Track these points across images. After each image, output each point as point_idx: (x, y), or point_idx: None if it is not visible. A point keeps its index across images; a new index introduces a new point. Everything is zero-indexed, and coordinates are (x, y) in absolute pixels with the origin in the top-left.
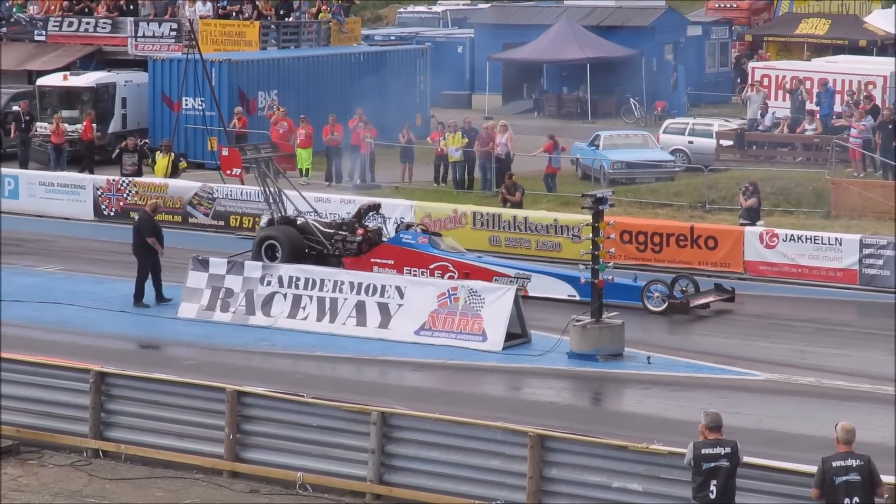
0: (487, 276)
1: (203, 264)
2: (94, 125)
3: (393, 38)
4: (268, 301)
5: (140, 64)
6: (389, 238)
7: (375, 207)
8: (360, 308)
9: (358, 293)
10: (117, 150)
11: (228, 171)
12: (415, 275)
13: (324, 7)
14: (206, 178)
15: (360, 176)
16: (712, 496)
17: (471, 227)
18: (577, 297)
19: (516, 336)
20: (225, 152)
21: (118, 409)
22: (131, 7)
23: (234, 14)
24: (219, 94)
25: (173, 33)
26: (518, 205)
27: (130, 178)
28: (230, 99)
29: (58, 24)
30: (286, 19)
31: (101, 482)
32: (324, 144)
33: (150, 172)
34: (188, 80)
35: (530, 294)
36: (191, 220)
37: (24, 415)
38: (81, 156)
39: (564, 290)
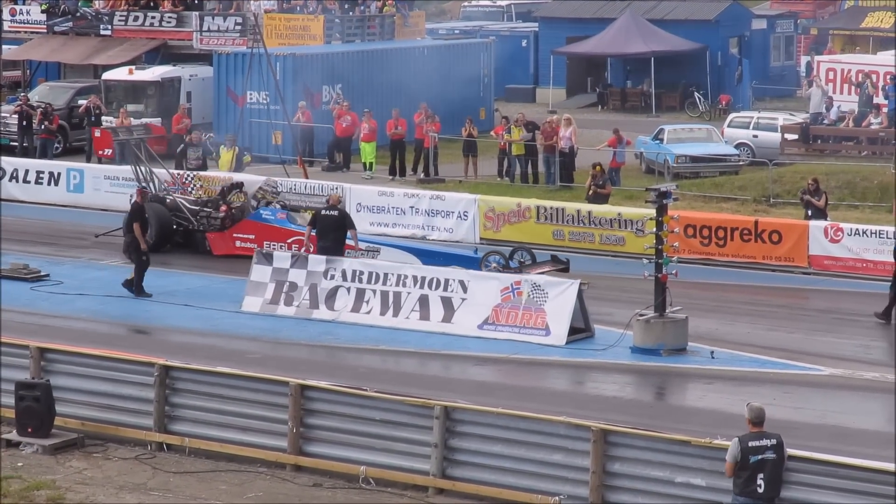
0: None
1: (267, 258)
2: (185, 119)
3: (457, 31)
4: (331, 295)
5: (205, 58)
6: (250, 214)
7: (238, 186)
8: (424, 302)
9: (421, 287)
10: (181, 145)
11: (101, 152)
12: (274, 248)
13: (388, 1)
14: (270, 172)
15: (424, 170)
16: (760, 490)
17: (534, 221)
18: None
19: (580, 330)
20: (97, 133)
21: (182, 402)
22: (196, 1)
23: (298, 8)
24: (283, 89)
25: (238, 27)
26: (607, 198)
27: (195, 172)
28: (294, 93)
29: (123, 18)
30: (350, 13)
31: (165, 475)
32: (387, 138)
33: (214, 166)
34: (253, 74)
35: None
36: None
37: (89, 408)
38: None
39: (411, 261)
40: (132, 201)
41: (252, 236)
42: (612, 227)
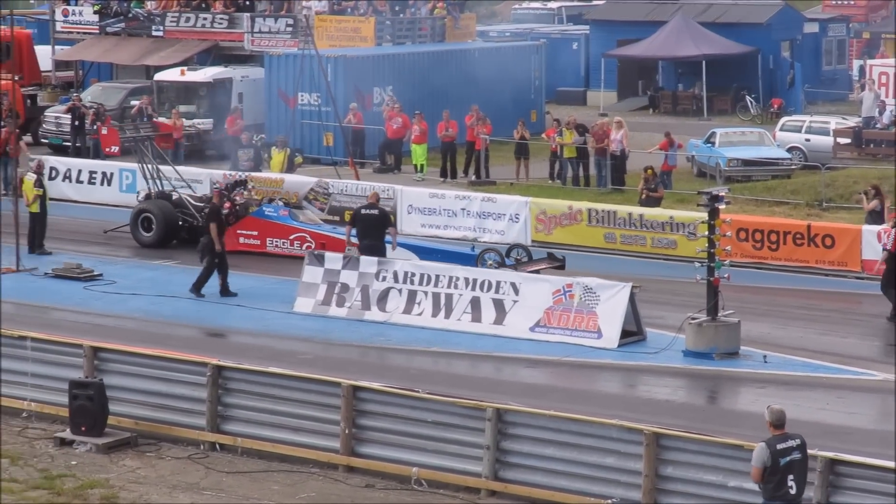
0: (341, 245)
1: (319, 259)
2: (239, 120)
3: (508, 34)
4: (383, 296)
5: (256, 59)
6: (253, 211)
7: (243, 183)
8: (476, 304)
9: (473, 289)
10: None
11: (107, 149)
12: (277, 245)
13: (439, 3)
14: (321, 173)
15: (475, 172)
16: (792, 491)
17: (586, 223)
18: None
19: (631, 333)
20: (104, 131)
21: (235, 402)
22: (248, 3)
23: (349, 10)
24: (334, 90)
25: (289, 29)
26: (659, 201)
27: (246, 173)
28: (345, 94)
29: (175, 19)
30: (401, 15)
31: (217, 475)
32: (438, 140)
33: (266, 167)
34: (304, 75)
35: None
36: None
37: (143, 407)
38: (198, 150)
39: (409, 258)
40: (276, 207)
41: (255, 233)
42: (664, 230)
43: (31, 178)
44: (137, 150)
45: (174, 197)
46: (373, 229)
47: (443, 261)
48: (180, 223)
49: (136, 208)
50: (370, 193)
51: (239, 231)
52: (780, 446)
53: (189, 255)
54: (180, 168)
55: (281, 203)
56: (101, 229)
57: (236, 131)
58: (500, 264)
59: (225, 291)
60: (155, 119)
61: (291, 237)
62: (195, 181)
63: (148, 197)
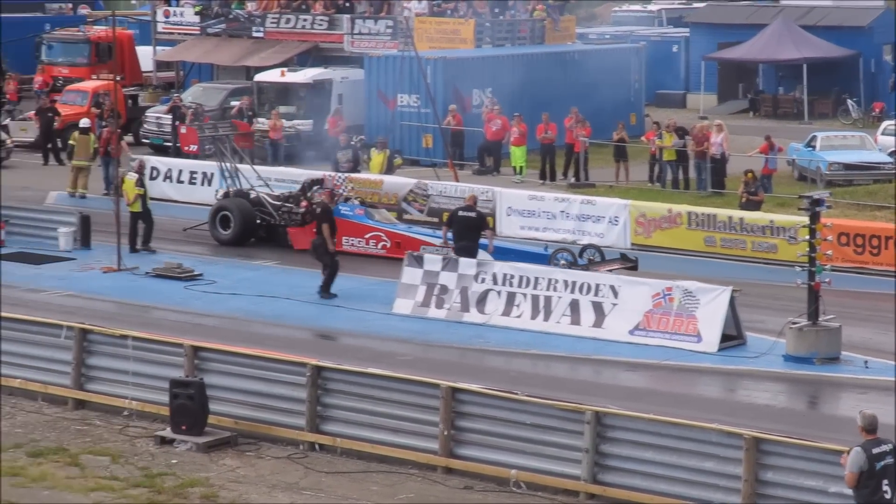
0: (416, 244)
1: (418, 260)
2: (340, 121)
3: (607, 36)
4: (482, 298)
5: (356, 61)
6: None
7: (319, 182)
8: (575, 307)
9: (572, 292)
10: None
11: (186, 148)
12: (352, 244)
13: (539, 6)
14: (420, 174)
15: (574, 174)
16: (888, 496)
17: (685, 227)
18: None
19: (731, 337)
20: (183, 130)
21: (334, 402)
22: (348, 4)
23: (449, 12)
24: (434, 92)
25: (389, 30)
26: (759, 205)
27: (346, 174)
28: (445, 96)
29: (275, 20)
30: (501, 17)
31: (317, 475)
32: (538, 142)
33: (365, 168)
34: (403, 77)
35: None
36: (405, 217)
37: (243, 407)
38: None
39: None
40: (351, 206)
41: None
42: (765, 234)
43: (132, 177)
44: (216, 149)
45: (252, 195)
46: (469, 231)
47: (516, 260)
48: (258, 221)
49: (215, 206)
50: (468, 195)
51: (315, 230)
52: (874, 451)
53: (268, 253)
54: (279, 169)
55: (357, 202)
56: (201, 229)
57: (337, 132)
58: (573, 264)
59: (326, 290)
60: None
61: (367, 236)
62: (295, 182)
63: (226, 195)
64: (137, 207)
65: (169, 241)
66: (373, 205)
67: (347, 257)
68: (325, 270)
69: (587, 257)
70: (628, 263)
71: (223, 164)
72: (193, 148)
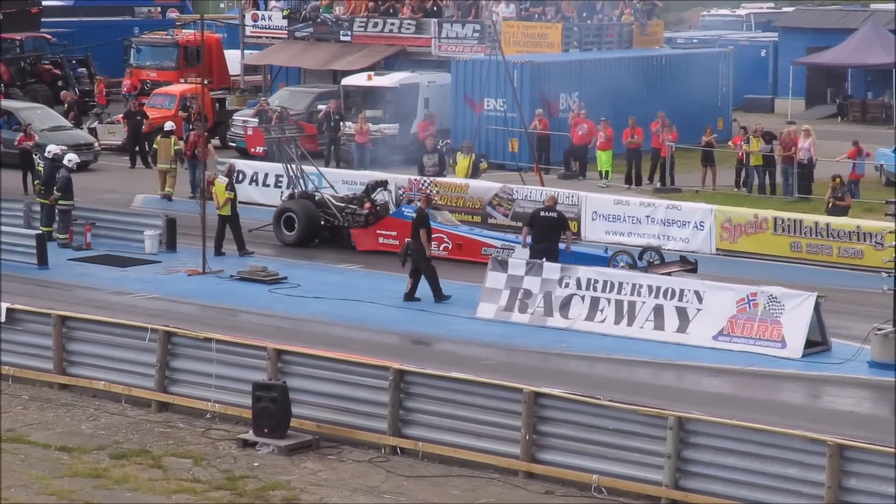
0: (477, 246)
1: (502, 265)
2: (430, 126)
3: (695, 41)
4: (566, 303)
5: (443, 65)
6: (393, 211)
7: (383, 184)
8: (658, 312)
9: (656, 297)
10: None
11: (253, 150)
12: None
13: (627, 10)
14: (506, 179)
15: (660, 179)
16: None
17: (771, 232)
18: None
19: (816, 343)
20: (250, 132)
21: (416, 406)
22: (436, 8)
23: (536, 16)
24: (520, 96)
25: (476, 34)
26: (846, 210)
27: (431, 178)
28: (531, 100)
29: (363, 24)
30: (588, 21)
31: (398, 479)
32: (624, 147)
33: (451, 172)
34: (490, 81)
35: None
36: (490, 221)
37: (325, 410)
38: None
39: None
40: (415, 207)
41: (394, 233)
42: (851, 239)
43: (222, 181)
44: (281, 151)
45: (317, 197)
46: (550, 232)
47: (575, 262)
48: (322, 223)
49: (279, 208)
50: (548, 196)
51: (378, 231)
52: None
53: (331, 255)
54: (364, 172)
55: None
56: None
57: (427, 137)
58: (632, 266)
59: (411, 296)
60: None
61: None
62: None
63: (291, 197)
64: (227, 211)
65: (253, 244)
66: (437, 206)
67: (455, 264)
68: (413, 275)
69: (647, 259)
70: (688, 266)
71: (288, 165)
72: (259, 150)
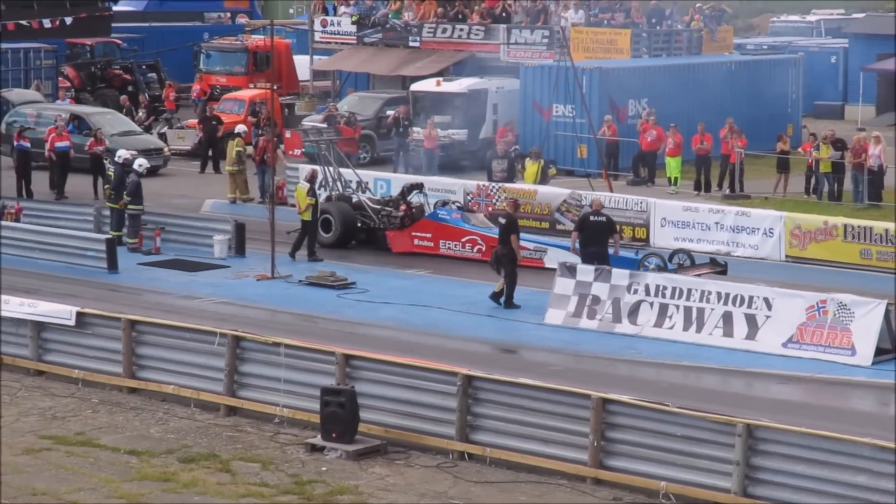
0: None
1: (571, 271)
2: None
3: (765, 47)
4: (634, 309)
5: (511, 71)
6: (428, 213)
7: (419, 186)
8: (727, 319)
9: (725, 304)
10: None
11: (291, 152)
12: (449, 247)
13: (696, 16)
14: (574, 185)
15: (729, 185)
16: None
17: (841, 239)
18: None
19: (886, 351)
20: (288, 135)
21: (484, 412)
22: (504, 14)
23: (605, 22)
24: (589, 102)
25: (545, 40)
26: None
27: (500, 184)
28: (600, 107)
29: (432, 30)
30: (658, 27)
31: (466, 484)
32: (693, 153)
33: (519, 178)
34: (559, 87)
35: (546, 265)
36: (558, 227)
37: (392, 415)
38: (453, 161)
39: (575, 262)
40: (385, 204)
41: (429, 235)
42: None
43: (304, 186)
44: (319, 154)
45: (354, 199)
46: (599, 236)
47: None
48: (359, 224)
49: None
50: (594, 200)
51: (414, 233)
52: None
53: (366, 256)
54: (436, 178)
55: (454, 206)
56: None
57: (507, 143)
58: (662, 269)
59: (509, 302)
60: (409, 128)
61: (463, 240)
62: (448, 191)
63: (329, 199)
64: (308, 216)
65: (322, 250)
66: (470, 209)
67: (445, 260)
68: (506, 279)
69: (677, 262)
70: (718, 268)
71: (326, 168)
72: (298, 153)
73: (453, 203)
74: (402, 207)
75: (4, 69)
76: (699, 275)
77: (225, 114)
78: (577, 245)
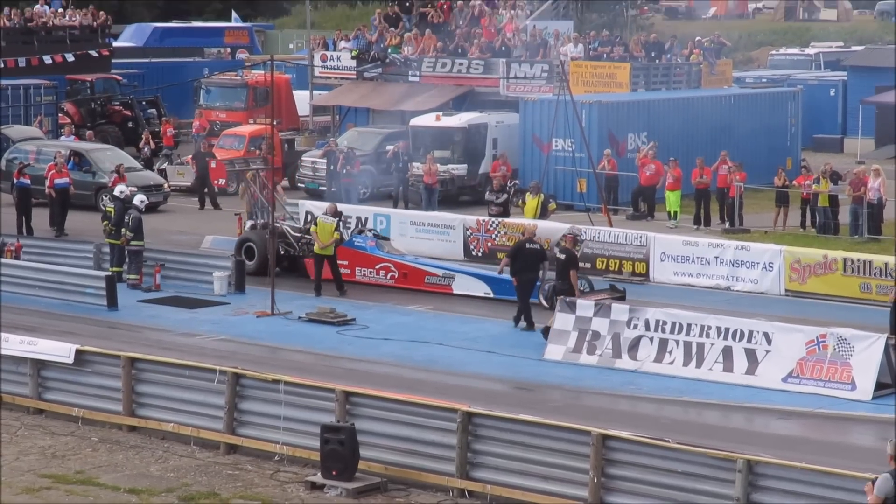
0: (421, 275)
1: (570, 306)
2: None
3: (764, 80)
4: (634, 345)
5: (511, 105)
6: (345, 241)
7: (339, 214)
8: (727, 354)
9: (725, 339)
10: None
11: (216, 182)
12: (364, 274)
13: (695, 50)
14: (574, 219)
15: (729, 219)
16: None
17: (841, 273)
18: (492, 295)
19: (886, 386)
20: (213, 165)
21: (484, 449)
22: (504, 48)
23: (605, 56)
24: (588, 136)
25: (545, 74)
26: None
27: (500, 219)
28: (600, 141)
29: (431, 64)
30: (657, 61)
31: None
32: (692, 187)
33: (518, 213)
34: (558, 121)
35: (454, 292)
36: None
37: (393, 452)
38: (452, 196)
39: (482, 289)
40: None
41: (346, 262)
42: None
43: (329, 221)
44: (245, 184)
45: (277, 227)
46: (533, 263)
47: (511, 292)
48: (282, 252)
49: (241, 238)
50: (526, 228)
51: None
52: None
53: (289, 283)
54: (434, 214)
55: (370, 234)
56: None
57: (496, 177)
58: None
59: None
60: (409, 162)
61: (377, 266)
62: (448, 227)
63: (254, 227)
64: (330, 251)
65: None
66: (384, 238)
67: (360, 287)
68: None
69: (578, 287)
70: (616, 294)
71: (251, 197)
72: (222, 182)
73: (369, 231)
74: None
75: (4, 105)
76: (598, 300)
77: (225, 149)
78: (509, 271)
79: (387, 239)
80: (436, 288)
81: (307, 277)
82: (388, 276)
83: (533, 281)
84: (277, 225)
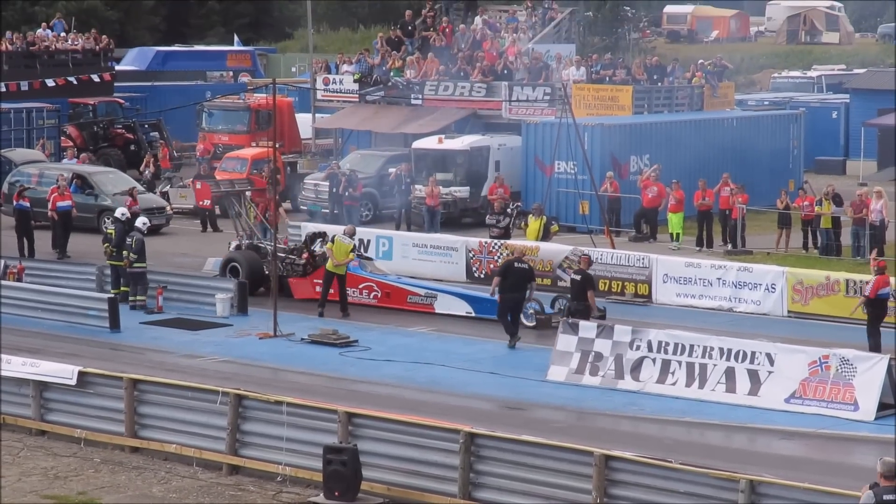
0: (403, 294)
1: (573, 328)
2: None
3: (766, 102)
4: (637, 365)
5: (513, 127)
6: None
7: (321, 235)
8: (730, 374)
9: (727, 359)
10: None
11: (200, 202)
12: (348, 293)
13: (697, 73)
14: (577, 241)
15: (731, 241)
16: None
17: (843, 294)
18: (474, 314)
19: (889, 406)
20: (199, 185)
21: (487, 469)
22: (506, 71)
23: (607, 79)
24: (591, 158)
25: (547, 97)
26: None
27: (502, 241)
28: (602, 163)
29: (434, 87)
30: (659, 84)
31: None
32: (695, 209)
33: (521, 235)
34: (561, 143)
35: (437, 311)
36: (560, 283)
37: (395, 473)
38: (455, 218)
39: (463, 308)
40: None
41: None
42: None
43: (346, 241)
44: (229, 204)
45: (261, 248)
46: (521, 282)
47: (492, 311)
48: (265, 272)
49: (225, 258)
50: (518, 249)
51: (315, 280)
52: (886, 497)
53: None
54: (436, 236)
55: (353, 255)
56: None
57: (496, 199)
58: (540, 313)
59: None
60: (412, 185)
61: (360, 286)
62: (451, 249)
63: (238, 248)
64: (343, 270)
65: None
66: (368, 258)
67: (360, 309)
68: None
69: (557, 307)
70: (597, 314)
71: (236, 218)
72: (207, 203)
73: (352, 252)
74: (305, 255)
75: (7, 129)
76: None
77: (227, 172)
78: (498, 290)
79: (370, 259)
80: (418, 307)
81: (289, 296)
82: (371, 296)
83: (518, 300)
84: (262, 245)
